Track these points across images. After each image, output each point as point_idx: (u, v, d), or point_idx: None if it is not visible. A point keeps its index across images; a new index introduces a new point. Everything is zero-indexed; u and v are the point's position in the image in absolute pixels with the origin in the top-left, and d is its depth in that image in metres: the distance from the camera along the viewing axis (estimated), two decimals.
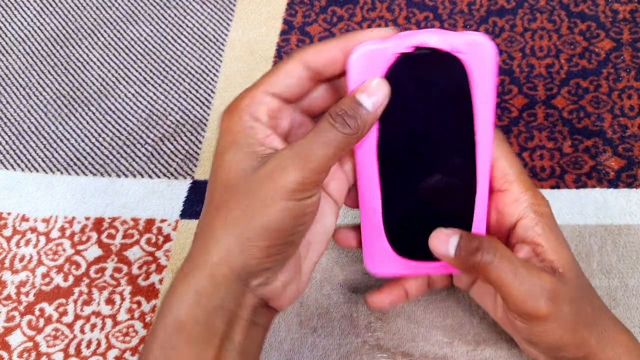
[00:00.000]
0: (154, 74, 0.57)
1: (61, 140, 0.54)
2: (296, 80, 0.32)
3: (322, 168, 0.30)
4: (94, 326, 0.45)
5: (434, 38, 0.31)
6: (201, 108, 0.54)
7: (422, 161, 0.34)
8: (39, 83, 0.57)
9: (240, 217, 0.29)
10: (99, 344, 0.44)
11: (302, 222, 0.31)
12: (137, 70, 0.57)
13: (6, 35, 0.60)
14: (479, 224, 0.35)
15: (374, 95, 0.31)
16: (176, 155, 0.52)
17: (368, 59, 0.31)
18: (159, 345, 0.29)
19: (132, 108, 0.55)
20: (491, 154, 0.34)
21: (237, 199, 0.29)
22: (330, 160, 0.30)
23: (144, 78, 0.56)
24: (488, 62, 0.31)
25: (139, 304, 0.45)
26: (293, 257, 0.32)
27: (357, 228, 0.37)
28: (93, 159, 0.52)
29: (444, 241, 0.33)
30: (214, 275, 0.29)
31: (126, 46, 0.58)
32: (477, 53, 0.31)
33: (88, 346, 0.44)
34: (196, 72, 0.56)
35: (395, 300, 0.39)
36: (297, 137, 0.31)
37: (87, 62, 0.58)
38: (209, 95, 0.55)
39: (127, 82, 0.56)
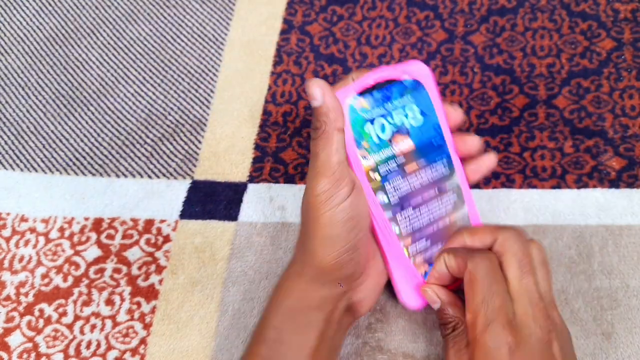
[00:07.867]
0: (153, 73, 0.56)
1: (60, 140, 0.53)
2: None
3: (331, 169, 0.35)
4: (93, 327, 0.45)
5: (385, 72, 0.38)
6: (200, 108, 0.54)
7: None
8: (37, 83, 0.57)
9: (317, 239, 0.36)
10: (98, 345, 0.44)
11: (348, 227, 0.36)
12: (136, 70, 0.57)
13: (5, 35, 0.60)
14: (474, 217, 0.40)
15: (316, 94, 0.35)
16: (175, 155, 0.52)
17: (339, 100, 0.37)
18: (272, 326, 0.37)
19: (131, 108, 0.55)
20: (456, 150, 0.39)
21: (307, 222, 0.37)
22: (331, 159, 0.35)
23: (143, 78, 0.56)
24: (430, 79, 0.38)
25: (138, 304, 0.45)
26: (365, 275, 0.38)
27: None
28: (92, 159, 0.52)
29: (433, 298, 0.39)
30: (315, 277, 0.37)
31: (125, 46, 0.58)
32: (421, 74, 0.38)
33: (88, 347, 0.44)
34: (195, 71, 0.56)
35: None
36: None
37: (86, 62, 0.57)
38: (209, 95, 0.55)
39: (126, 81, 0.56)
